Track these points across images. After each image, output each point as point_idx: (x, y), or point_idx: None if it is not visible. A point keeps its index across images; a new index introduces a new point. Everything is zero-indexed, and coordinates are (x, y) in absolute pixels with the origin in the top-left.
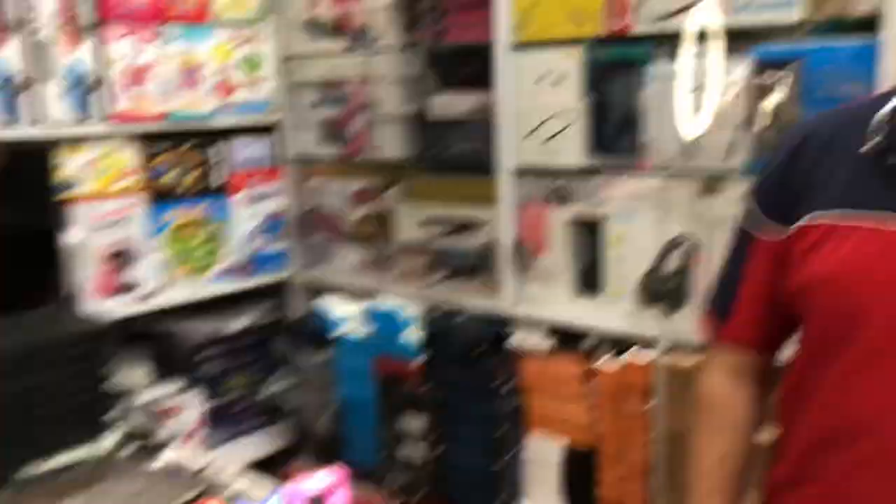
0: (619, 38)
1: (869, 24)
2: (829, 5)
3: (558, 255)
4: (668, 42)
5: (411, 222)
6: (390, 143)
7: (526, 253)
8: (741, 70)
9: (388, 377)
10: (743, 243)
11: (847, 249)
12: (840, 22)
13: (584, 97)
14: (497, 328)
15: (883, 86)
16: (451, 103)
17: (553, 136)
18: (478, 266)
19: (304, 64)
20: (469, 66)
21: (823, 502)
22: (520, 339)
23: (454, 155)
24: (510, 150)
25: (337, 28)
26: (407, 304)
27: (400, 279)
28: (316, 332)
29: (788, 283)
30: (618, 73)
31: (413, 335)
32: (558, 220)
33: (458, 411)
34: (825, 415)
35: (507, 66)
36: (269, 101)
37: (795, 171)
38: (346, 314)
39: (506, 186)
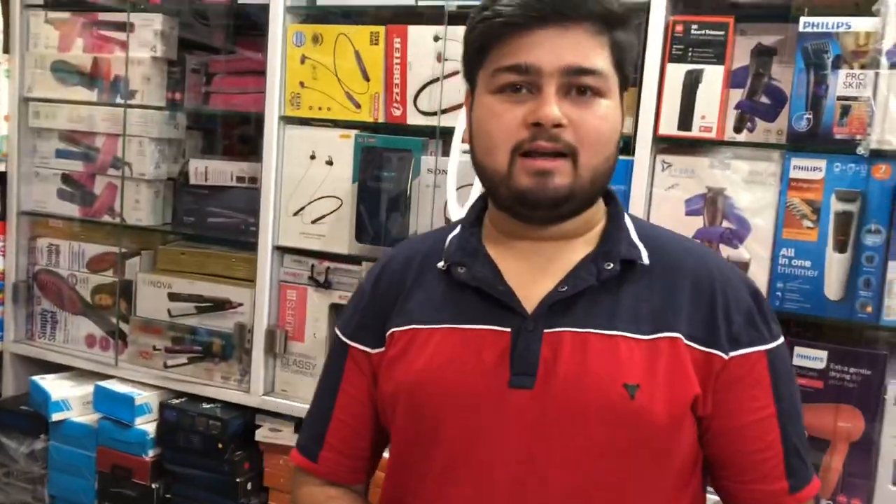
0: (394, 127)
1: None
2: None
3: (317, 342)
4: (442, 136)
5: (156, 296)
6: (140, 207)
7: (281, 338)
8: None
9: (113, 471)
10: (333, 377)
11: (425, 358)
12: None
13: (356, 181)
14: (243, 419)
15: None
16: (215, 169)
17: (321, 217)
18: (227, 349)
19: (46, 108)
20: (237, 133)
21: None
22: (267, 433)
23: (214, 225)
24: (274, 227)
25: (90, 75)
26: (142, 388)
27: (137, 359)
28: (30, 415)
29: (379, 394)
30: (390, 160)
31: (147, 424)
32: (320, 305)
33: None
34: None
35: (277, 139)
36: None
37: (378, 296)
38: (69, 396)
39: (266, 264)
